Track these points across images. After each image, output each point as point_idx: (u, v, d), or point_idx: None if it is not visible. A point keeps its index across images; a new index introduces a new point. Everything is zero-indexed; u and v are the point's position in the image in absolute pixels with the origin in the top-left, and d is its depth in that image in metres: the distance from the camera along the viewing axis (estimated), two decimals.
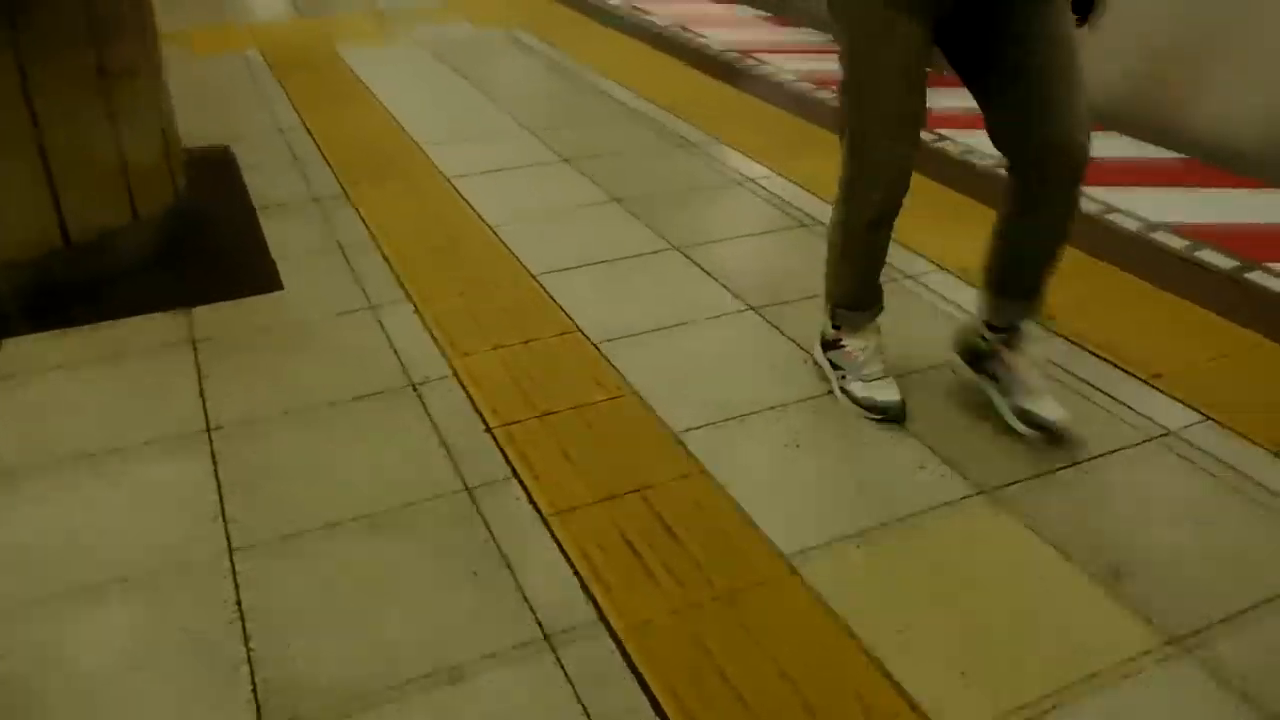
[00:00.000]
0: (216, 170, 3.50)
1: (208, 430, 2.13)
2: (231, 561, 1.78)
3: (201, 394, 2.26)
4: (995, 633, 1.65)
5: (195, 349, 2.43)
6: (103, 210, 2.71)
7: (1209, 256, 2.92)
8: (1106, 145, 3.90)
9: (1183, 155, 3.79)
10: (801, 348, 2.44)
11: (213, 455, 2.06)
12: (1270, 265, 2.87)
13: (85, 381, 2.31)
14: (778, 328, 2.53)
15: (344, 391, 2.27)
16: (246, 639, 1.62)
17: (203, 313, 2.59)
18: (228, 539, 1.83)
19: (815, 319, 2.56)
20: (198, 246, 2.97)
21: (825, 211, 3.17)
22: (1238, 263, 2.89)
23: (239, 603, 1.69)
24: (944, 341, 2.46)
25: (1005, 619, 1.67)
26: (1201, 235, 3.07)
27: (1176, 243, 3.01)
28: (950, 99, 4.39)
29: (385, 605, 1.69)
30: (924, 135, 3.92)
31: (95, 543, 1.82)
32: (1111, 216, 3.18)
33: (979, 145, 3.80)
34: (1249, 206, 3.36)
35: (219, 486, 1.97)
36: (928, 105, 1.98)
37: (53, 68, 2.51)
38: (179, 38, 5.24)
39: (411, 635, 1.63)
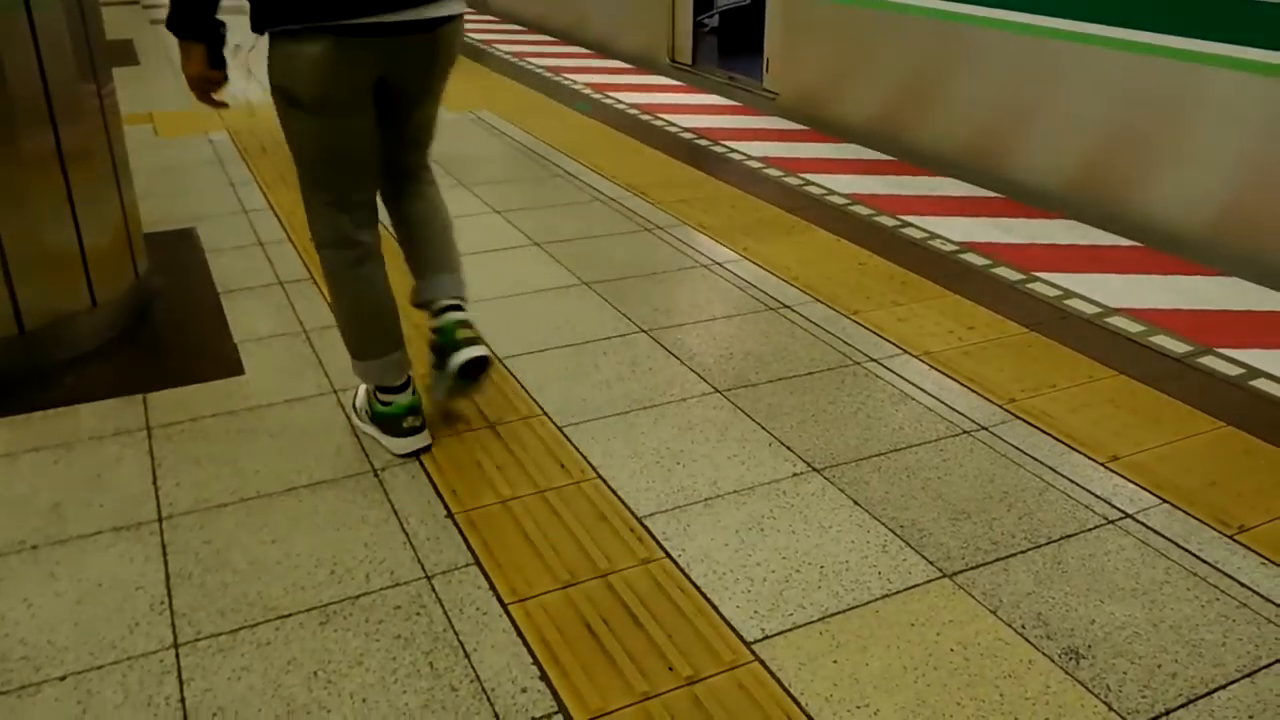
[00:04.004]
0: (180, 253, 3.49)
1: (159, 520, 2.09)
2: (176, 656, 1.73)
3: (154, 482, 2.21)
4: (957, 717, 1.63)
5: (150, 436, 2.40)
6: (59, 296, 2.69)
7: (1163, 341, 2.98)
8: (1064, 232, 4.00)
9: (1137, 243, 3.88)
10: (765, 429, 2.45)
11: (162, 546, 2.01)
12: (1222, 350, 2.93)
13: (31, 470, 2.26)
14: (743, 411, 2.54)
15: (303, 478, 2.24)
16: None
17: (159, 398, 2.56)
18: (173, 633, 1.78)
19: (783, 402, 2.57)
20: (158, 331, 2.95)
21: (791, 295, 3.22)
22: (1191, 347, 2.94)
23: (182, 700, 1.64)
24: (906, 426, 2.48)
25: (967, 702, 1.65)
26: (1156, 320, 3.13)
27: (1132, 327, 3.07)
28: (913, 187, 4.51)
29: (335, 700, 1.64)
30: (888, 220, 4.01)
31: (32, 638, 1.76)
32: (1069, 301, 3.24)
33: (941, 230, 3.88)
34: (1200, 292, 3.44)
35: (167, 578, 1.92)
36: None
37: (8, 150, 2.51)
38: (143, 120, 5.28)
39: None
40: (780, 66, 5.95)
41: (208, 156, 4.72)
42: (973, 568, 1.98)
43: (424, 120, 2.32)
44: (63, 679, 1.68)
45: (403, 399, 2.31)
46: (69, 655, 1.72)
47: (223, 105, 2.20)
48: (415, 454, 2.32)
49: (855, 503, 2.18)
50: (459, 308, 2.37)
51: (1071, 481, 2.27)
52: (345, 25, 1.95)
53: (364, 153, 2.16)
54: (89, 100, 2.75)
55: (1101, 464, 2.34)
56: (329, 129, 2.08)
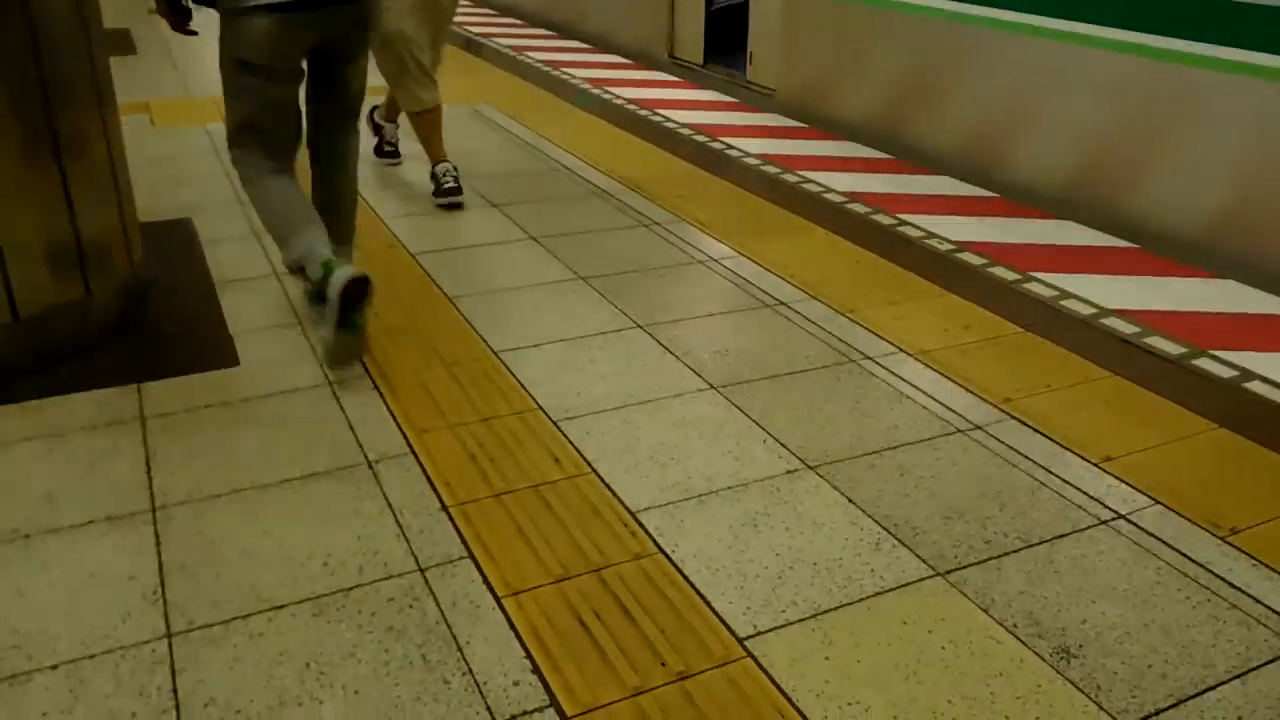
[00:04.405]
0: (176, 243, 3.49)
1: (152, 510, 2.09)
2: (169, 647, 1.73)
3: (148, 472, 2.21)
4: (947, 714, 1.63)
5: (144, 426, 2.39)
6: (54, 284, 2.67)
7: (1158, 343, 2.98)
8: (1060, 233, 4.00)
9: (1134, 244, 3.89)
10: (759, 426, 2.45)
11: (155, 536, 2.01)
12: (1216, 352, 2.93)
13: (24, 459, 2.25)
14: (738, 407, 2.54)
15: (297, 470, 2.23)
16: None
17: (154, 388, 2.55)
18: (166, 623, 1.78)
19: (778, 399, 2.58)
20: (153, 321, 2.95)
21: (788, 292, 3.22)
22: (1185, 349, 2.95)
23: (174, 690, 1.64)
24: (901, 424, 2.49)
25: (957, 700, 1.66)
26: (1151, 322, 3.14)
27: (1127, 328, 3.07)
28: (911, 186, 4.51)
29: (326, 691, 1.64)
30: (886, 218, 4.01)
31: (25, 626, 1.76)
32: (1065, 302, 3.25)
33: (939, 229, 3.89)
34: (1196, 295, 3.44)
35: (160, 568, 1.92)
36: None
37: (3, 138, 2.50)
38: (140, 109, 5.27)
39: None
40: (766, 61, 5.96)
41: (204, 146, 4.71)
42: (965, 566, 1.99)
43: (353, 76, 2.86)
44: (55, 668, 1.67)
45: (320, 265, 2.59)
46: (61, 644, 1.72)
47: (193, 33, 2.77)
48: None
49: (849, 500, 2.18)
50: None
51: (1065, 481, 2.27)
52: (288, 3, 2.53)
53: (294, 107, 2.73)
54: (86, 89, 2.74)
55: (1095, 464, 2.34)
56: (271, 88, 2.64)
